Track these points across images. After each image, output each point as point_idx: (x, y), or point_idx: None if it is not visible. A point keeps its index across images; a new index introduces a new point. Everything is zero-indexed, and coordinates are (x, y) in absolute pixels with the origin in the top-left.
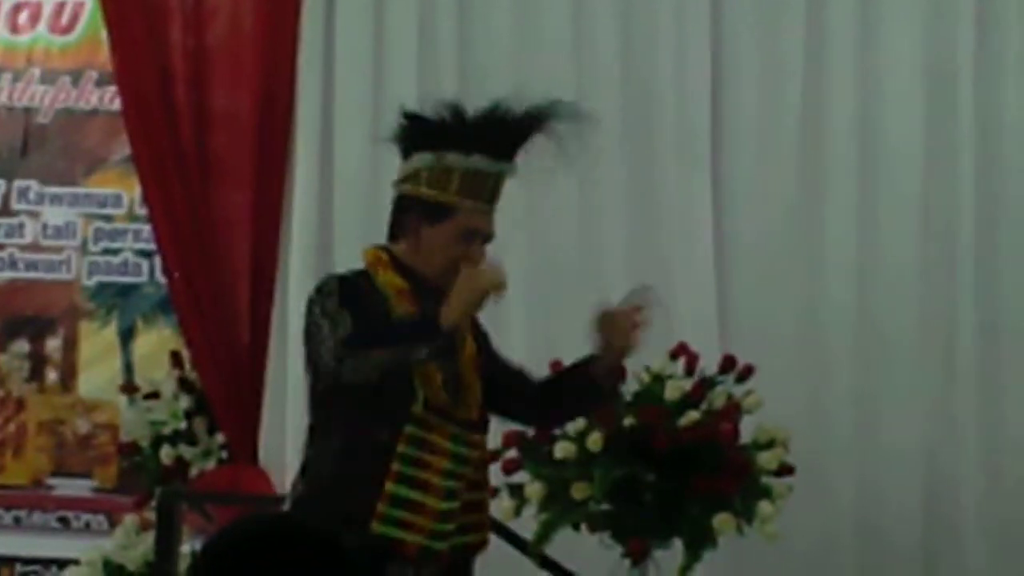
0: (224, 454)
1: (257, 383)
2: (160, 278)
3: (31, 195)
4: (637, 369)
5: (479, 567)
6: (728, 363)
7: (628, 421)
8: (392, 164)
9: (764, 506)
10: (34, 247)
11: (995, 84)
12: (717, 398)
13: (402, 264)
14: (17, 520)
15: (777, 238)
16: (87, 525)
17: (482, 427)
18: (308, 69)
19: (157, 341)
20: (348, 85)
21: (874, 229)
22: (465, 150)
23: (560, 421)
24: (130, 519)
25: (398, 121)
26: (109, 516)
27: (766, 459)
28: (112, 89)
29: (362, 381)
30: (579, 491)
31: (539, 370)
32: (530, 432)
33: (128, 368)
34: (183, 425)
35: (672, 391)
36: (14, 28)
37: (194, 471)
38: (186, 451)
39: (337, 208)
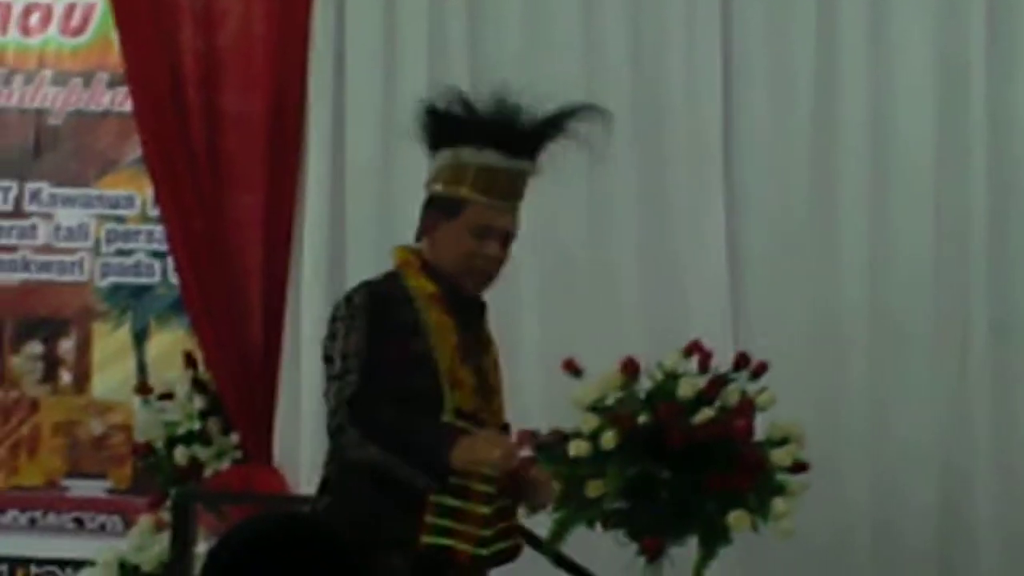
0: (238, 454)
1: (270, 383)
2: (173, 279)
3: (44, 197)
4: (651, 367)
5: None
6: (742, 360)
7: (642, 419)
8: (404, 164)
9: (778, 503)
10: (47, 249)
11: (1007, 81)
12: (731, 395)
13: (430, 266)
14: (32, 521)
15: (790, 235)
16: (102, 526)
17: (506, 431)
18: (319, 70)
19: (170, 342)
20: (359, 86)
21: (887, 227)
22: (478, 145)
23: None
24: (145, 520)
25: (418, 118)
26: (124, 517)
27: (780, 456)
28: (124, 91)
29: (355, 459)
30: (594, 489)
31: (552, 370)
32: (543, 432)
33: (142, 369)
34: (197, 425)
35: (686, 388)
36: (26, 30)
37: (208, 471)
38: (200, 451)
39: (349, 208)
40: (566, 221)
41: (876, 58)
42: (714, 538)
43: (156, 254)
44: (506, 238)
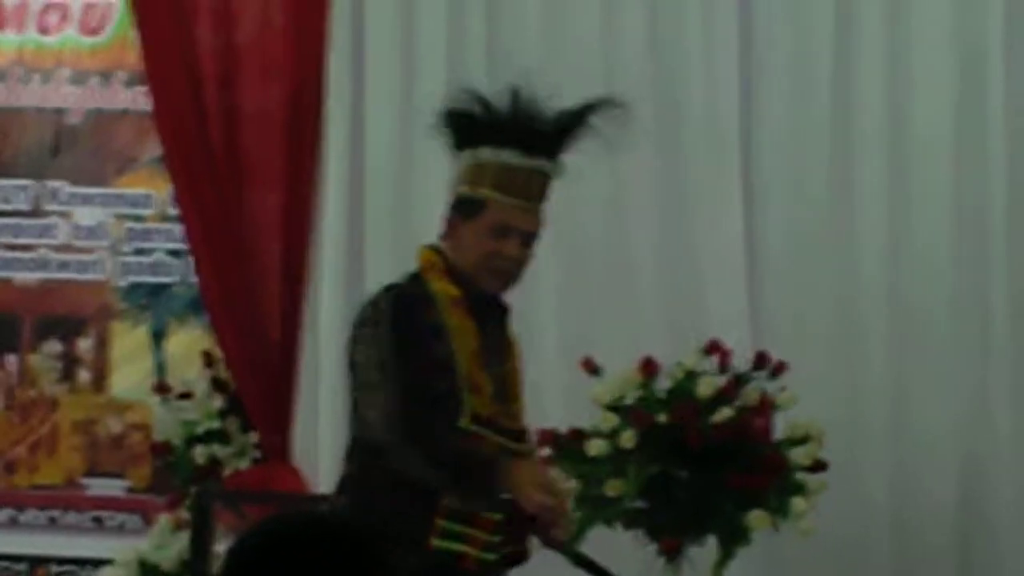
0: (257, 453)
1: (289, 382)
2: (191, 278)
3: (62, 196)
4: (670, 366)
5: None
6: (761, 360)
7: (661, 418)
8: (423, 160)
9: (798, 502)
10: (65, 248)
11: None
12: (750, 395)
13: (453, 268)
14: (52, 520)
15: (808, 232)
16: (121, 525)
17: (525, 437)
18: (338, 67)
19: (189, 341)
20: (378, 83)
21: (906, 219)
22: (497, 145)
23: None
24: (165, 519)
25: (438, 120)
26: (143, 516)
27: (800, 455)
28: (142, 89)
29: (399, 471)
30: (613, 489)
31: (570, 367)
32: (563, 430)
33: (160, 368)
34: (216, 425)
35: (705, 388)
36: (44, 29)
37: (227, 470)
38: (219, 450)
39: (368, 206)
40: (584, 219)
41: (894, 49)
42: (733, 538)
43: (175, 253)
44: (527, 238)
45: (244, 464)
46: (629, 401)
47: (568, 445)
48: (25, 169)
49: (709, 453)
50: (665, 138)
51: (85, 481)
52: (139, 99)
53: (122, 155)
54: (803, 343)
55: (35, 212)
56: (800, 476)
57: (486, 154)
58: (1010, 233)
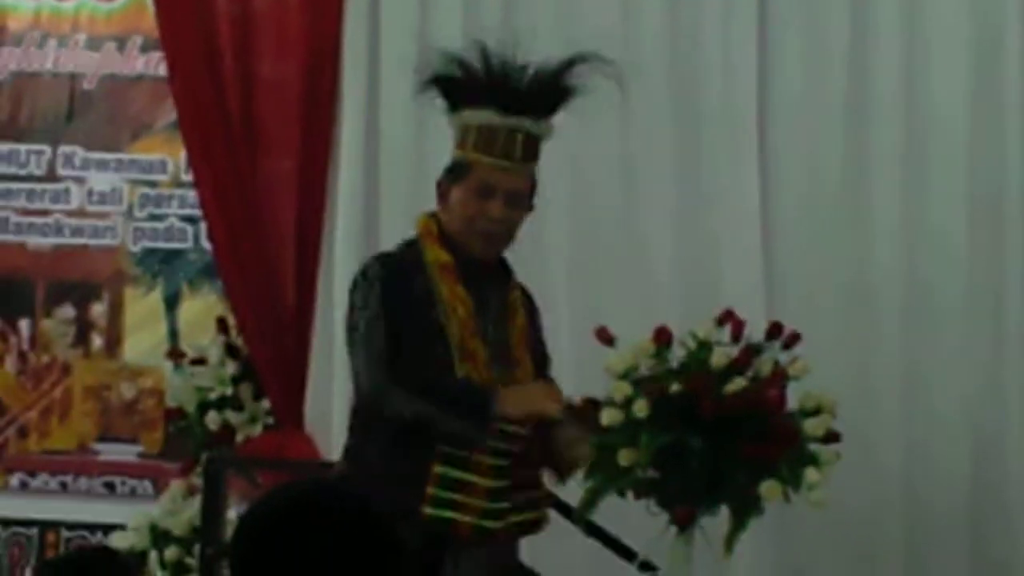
0: (270, 419)
1: (303, 349)
2: (205, 244)
3: (76, 161)
4: (684, 336)
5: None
6: (775, 330)
7: (674, 388)
8: (438, 128)
9: (811, 473)
10: (79, 213)
11: None
12: (764, 365)
13: (446, 234)
14: (63, 485)
15: (823, 205)
16: (133, 490)
17: None
18: (354, 35)
19: (202, 307)
20: (394, 51)
21: (921, 195)
22: (476, 105)
23: None
24: (176, 484)
25: (419, 87)
26: (155, 481)
27: (813, 426)
28: (157, 55)
29: (394, 418)
30: (625, 458)
31: (584, 337)
32: (575, 400)
33: (173, 334)
34: (229, 391)
35: (719, 358)
36: None
37: (240, 437)
38: (232, 417)
39: (383, 173)
40: (598, 189)
41: (910, 28)
42: (746, 508)
43: (189, 219)
44: (512, 198)
45: (257, 430)
46: (642, 371)
47: (580, 414)
48: (40, 134)
49: (722, 423)
50: (681, 111)
51: (97, 446)
52: (154, 64)
53: (137, 120)
54: (817, 315)
55: (49, 177)
56: (813, 447)
57: (468, 116)
58: None
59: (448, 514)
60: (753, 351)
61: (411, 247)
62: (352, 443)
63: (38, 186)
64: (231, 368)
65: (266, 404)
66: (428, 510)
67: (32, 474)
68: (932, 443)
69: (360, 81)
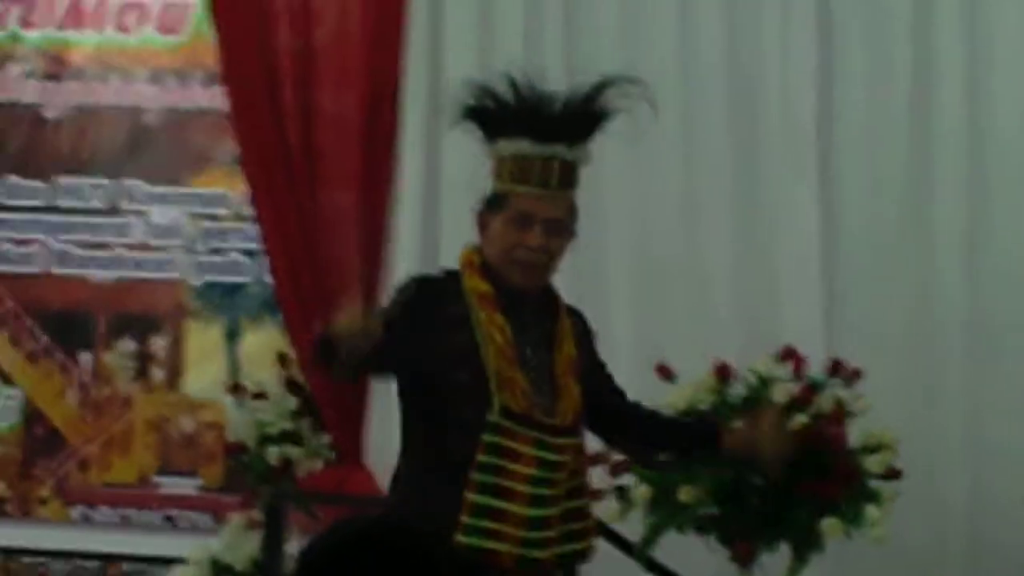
0: (330, 454)
1: (363, 383)
2: (266, 278)
3: (138, 195)
4: (744, 372)
5: (586, 570)
6: (836, 366)
7: (735, 425)
8: None
9: (871, 510)
10: (141, 246)
11: None
12: (824, 401)
13: (487, 265)
14: (124, 518)
15: (885, 239)
16: (193, 524)
17: (576, 432)
18: (415, 68)
19: (263, 341)
20: (455, 83)
21: (985, 229)
22: (510, 136)
23: (648, 455)
24: (237, 518)
25: (457, 119)
26: (215, 515)
27: (874, 463)
28: (219, 89)
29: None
30: (685, 494)
31: (644, 373)
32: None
33: (234, 367)
34: (289, 425)
35: (779, 394)
36: (122, 28)
37: (300, 471)
38: (292, 451)
39: (443, 207)
40: (659, 223)
41: (973, 55)
42: (806, 545)
43: (249, 253)
44: (551, 226)
45: (317, 465)
46: (703, 407)
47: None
48: (102, 168)
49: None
50: (741, 140)
51: (158, 479)
52: (216, 98)
53: (198, 154)
54: (879, 350)
55: (111, 211)
56: (874, 484)
57: (503, 146)
58: None
59: (483, 543)
60: (814, 387)
61: (451, 276)
62: (396, 468)
63: (100, 220)
64: (291, 402)
65: (326, 439)
66: (462, 539)
67: (93, 507)
68: (995, 480)
69: (421, 114)
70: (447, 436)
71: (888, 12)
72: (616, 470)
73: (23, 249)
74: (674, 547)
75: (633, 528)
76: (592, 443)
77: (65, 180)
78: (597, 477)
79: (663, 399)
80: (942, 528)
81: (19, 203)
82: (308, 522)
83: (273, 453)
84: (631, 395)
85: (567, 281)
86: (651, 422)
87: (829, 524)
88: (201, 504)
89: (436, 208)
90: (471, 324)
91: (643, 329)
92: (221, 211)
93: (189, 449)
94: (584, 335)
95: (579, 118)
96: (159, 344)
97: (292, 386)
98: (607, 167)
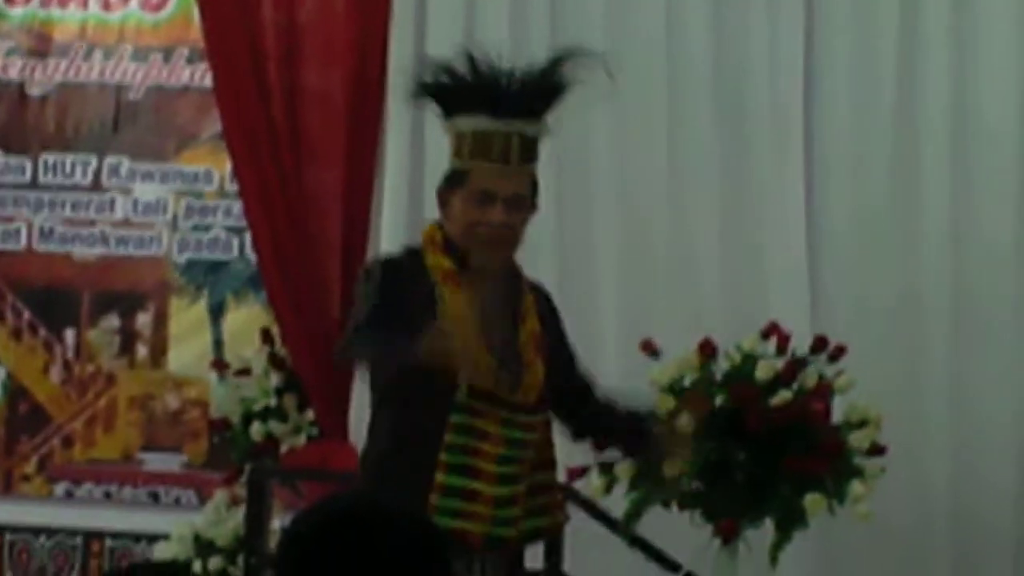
0: (314, 430)
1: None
2: (250, 255)
3: (122, 171)
4: (729, 348)
5: (570, 545)
6: (820, 343)
7: (720, 400)
8: None
9: (856, 486)
10: (125, 223)
11: None
12: (809, 378)
13: (449, 241)
14: (108, 494)
15: (870, 215)
16: (177, 500)
17: (542, 408)
18: (399, 46)
19: (247, 317)
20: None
21: (969, 204)
22: (468, 112)
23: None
24: (220, 495)
25: (412, 94)
26: (199, 491)
27: (858, 439)
28: (203, 66)
29: (361, 357)
30: (670, 470)
31: (629, 349)
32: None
33: (218, 344)
34: (273, 402)
35: (764, 371)
36: (106, 5)
37: (284, 447)
38: (276, 427)
39: (428, 185)
40: (645, 202)
41: (959, 36)
42: (790, 521)
43: (234, 229)
44: (512, 202)
45: (301, 441)
46: (687, 383)
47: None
48: (86, 145)
49: (767, 436)
50: (727, 121)
51: (141, 456)
52: (200, 76)
53: (183, 131)
54: (863, 327)
55: (95, 187)
56: (858, 460)
57: (461, 122)
58: None
59: (454, 523)
60: (798, 364)
61: (413, 254)
62: (364, 448)
63: (84, 196)
64: (275, 379)
65: (310, 415)
66: (433, 519)
67: (77, 483)
68: (979, 456)
69: (405, 91)
70: (415, 417)
71: (874, 1)
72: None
73: (7, 226)
74: (658, 522)
75: (616, 504)
76: None
77: (49, 157)
78: (581, 452)
79: (648, 376)
80: (925, 505)
81: (3, 180)
82: (291, 498)
83: (257, 429)
84: (617, 371)
85: (555, 260)
86: (603, 415)
87: (813, 500)
88: (185, 480)
89: (420, 185)
90: (436, 304)
91: (628, 307)
92: (205, 188)
93: (173, 426)
94: (549, 312)
95: (537, 92)
96: (143, 321)
97: (276, 362)
98: (594, 148)
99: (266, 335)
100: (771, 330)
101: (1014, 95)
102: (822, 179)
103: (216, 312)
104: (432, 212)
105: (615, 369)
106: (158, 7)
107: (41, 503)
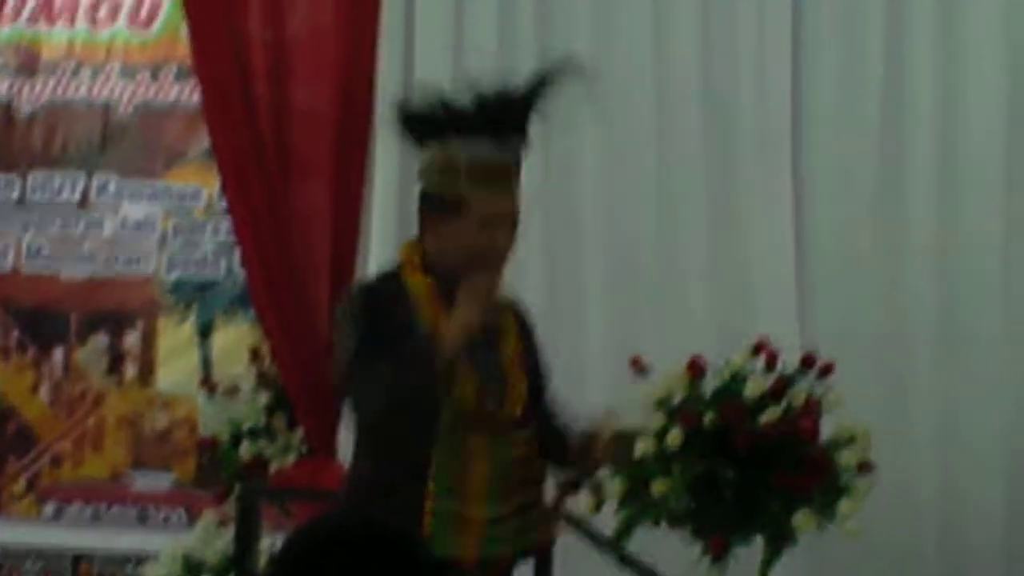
0: (304, 449)
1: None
2: (239, 273)
3: (110, 190)
4: (718, 366)
5: (560, 563)
6: (808, 361)
7: (708, 418)
8: None
9: (844, 503)
10: (113, 242)
11: None
12: (797, 396)
13: (430, 263)
14: (96, 514)
15: (858, 232)
16: (166, 519)
17: (527, 425)
18: (388, 62)
19: (236, 336)
20: (429, 77)
21: (956, 220)
22: (466, 138)
23: None
24: (209, 514)
25: (397, 118)
26: (188, 511)
27: (847, 456)
28: (191, 83)
29: (369, 391)
30: (659, 488)
31: (617, 366)
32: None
33: (206, 363)
34: (262, 421)
35: (752, 388)
36: (94, 23)
37: (273, 466)
38: (265, 446)
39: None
40: (632, 218)
41: (945, 47)
42: (780, 538)
43: (222, 247)
44: (514, 222)
45: (290, 460)
46: (676, 401)
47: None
48: (74, 163)
49: (756, 453)
50: (714, 136)
51: (130, 475)
52: (188, 93)
53: (171, 149)
54: (851, 344)
55: (83, 205)
56: (847, 477)
57: (456, 149)
58: None
59: (447, 549)
60: (787, 381)
61: (390, 278)
62: (348, 477)
63: (72, 215)
64: (264, 398)
65: (299, 434)
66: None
67: (65, 503)
68: (967, 473)
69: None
70: (402, 443)
71: (861, 12)
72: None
73: None
74: (647, 541)
75: (606, 522)
76: None
77: (37, 175)
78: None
79: (637, 393)
80: (914, 522)
81: None
82: (281, 518)
83: (245, 448)
84: (605, 388)
85: (542, 276)
86: (555, 437)
87: (802, 517)
88: (174, 500)
89: (409, 202)
90: (417, 328)
91: (617, 324)
92: (194, 206)
93: (162, 445)
94: (525, 327)
95: (528, 113)
96: (131, 340)
97: (265, 381)
98: (580, 162)
99: (255, 354)
100: (760, 347)
101: (1001, 109)
102: (809, 195)
103: (205, 331)
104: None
105: (603, 386)
106: (146, 25)
107: (30, 523)
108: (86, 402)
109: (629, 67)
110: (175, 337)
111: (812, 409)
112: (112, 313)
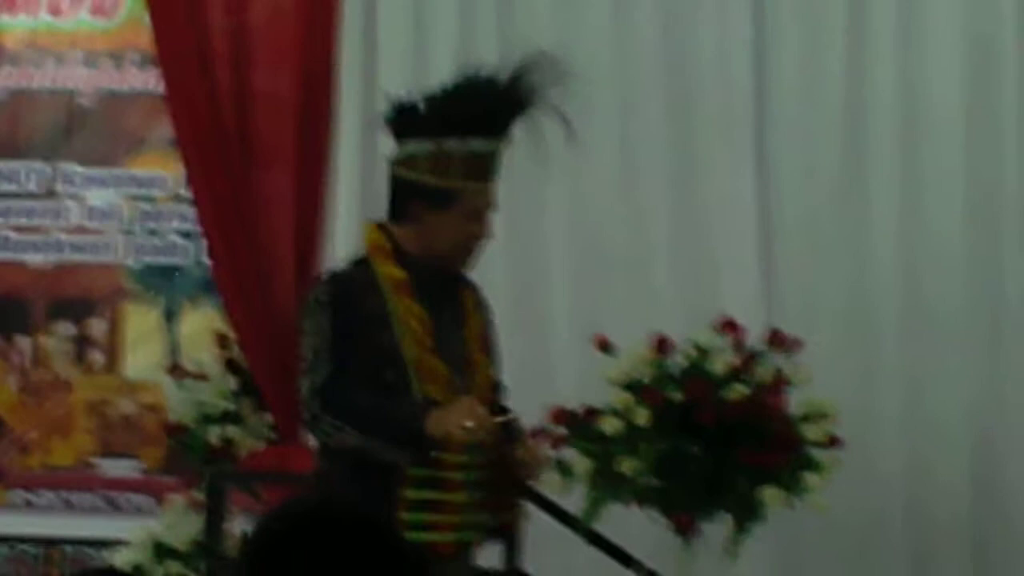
0: (272, 434)
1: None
2: (204, 259)
3: (74, 178)
4: (684, 344)
5: (529, 544)
6: (775, 337)
7: (675, 396)
8: None
9: (811, 478)
10: (78, 229)
11: None
12: (764, 372)
13: (403, 251)
14: (65, 501)
15: (822, 211)
16: (135, 506)
17: (493, 406)
18: (350, 49)
19: (202, 322)
20: (390, 64)
21: (919, 203)
22: (462, 134)
23: None
24: (178, 500)
25: (389, 109)
26: (157, 497)
27: (813, 431)
28: (154, 71)
29: (335, 446)
30: (626, 467)
31: (583, 346)
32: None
33: (173, 349)
34: (230, 406)
35: (719, 365)
36: (56, 12)
37: (241, 451)
38: (233, 431)
39: (380, 188)
40: (597, 198)
41: (907, 31)
42: (747, 515)
43: (187, 234)
44: (493, 211)
45: (258, 445)
46: (642, 379)
47: (581, 423)
48: (37, 151)
49: (723, 430)
50: (678, 117)
51: (98, 462)
52: (151, 80)
53: (134, 136)
54: (817, 322)
55: (47, 194)
56: (814, 452)
57: (451, 144)
58: (1022, 216)
59: (425, 537)
60: (753, 358)
61: (361, 265)
62: (319, 469)
63: (36, 204)
64: (232, 383)
65: (267, 418)
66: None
67: (33, 491)
68: (933, 450)
69: (357, 94)
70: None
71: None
72: (556, 444)
73: None
74: (616, 520)
75: (575, 502)
76: (531, 418)
77: (1, 164)
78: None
79: (602, 372)
80: (879, 499)
81: None
82: (250, 502)
83: (214, 433)
84: (572, 368)
85: (507, 256)
86: None
87: (769, 493)
88: (142, 486)
89: (373, 188)
90: (389, 319)
91: (582, 303)
92: (158, 193)
93: (129, 431)
94: (482, 306)
95: (518, 108)
96: (97, 327)
97: (232, 367)
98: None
99: (222, 340)
100: (726, 325)
101: (961, 95)
102: (773, 174)
103: (171, 317)
104: (383, 215)
105: (568, 364)
106: (107, 13)
107: None
108: (53, 389)
109: (591, 51)
110: (142, 323)
111: (779, 385)
112: (78, 300)
